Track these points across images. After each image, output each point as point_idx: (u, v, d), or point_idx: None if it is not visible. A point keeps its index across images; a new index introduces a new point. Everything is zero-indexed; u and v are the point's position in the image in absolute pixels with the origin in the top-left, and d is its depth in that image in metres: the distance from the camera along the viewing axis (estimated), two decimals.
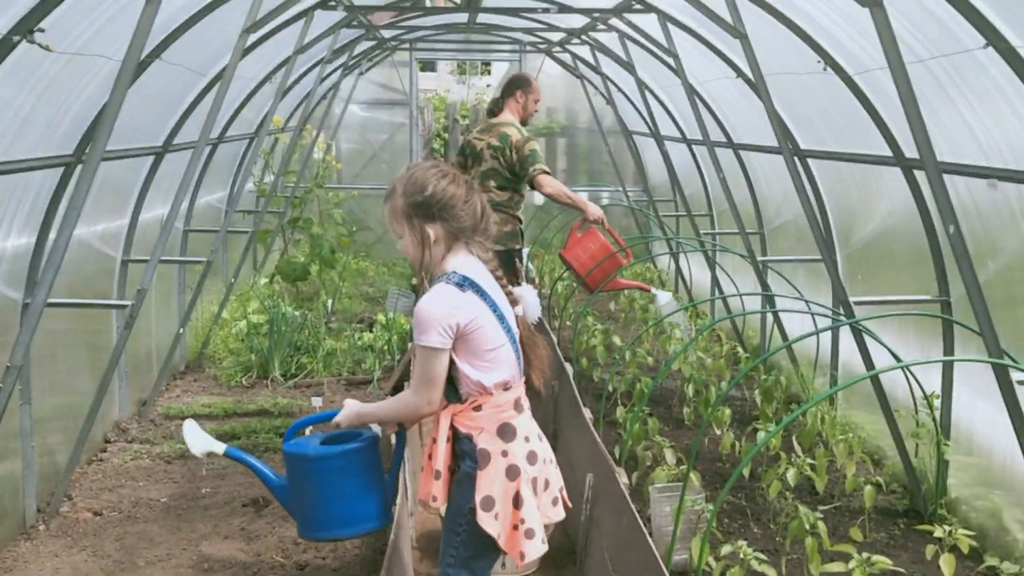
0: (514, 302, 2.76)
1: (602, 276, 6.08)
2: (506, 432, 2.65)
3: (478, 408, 2.65)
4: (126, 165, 5.12)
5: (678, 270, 8.38)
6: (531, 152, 5.71)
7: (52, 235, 3.94)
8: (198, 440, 2.91)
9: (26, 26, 3.02)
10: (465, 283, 2.61)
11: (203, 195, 7.01)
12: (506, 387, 2.67)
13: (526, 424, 2.72)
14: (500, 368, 2.65)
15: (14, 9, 3.03)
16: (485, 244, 2.74)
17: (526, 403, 2.74)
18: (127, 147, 4.92)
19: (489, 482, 2.61)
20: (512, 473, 2.63)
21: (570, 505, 2.87)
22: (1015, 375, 3.03)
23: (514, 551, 2.63)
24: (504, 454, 2.64)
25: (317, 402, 5.51)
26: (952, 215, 3.11)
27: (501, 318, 2.66)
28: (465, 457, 2.68)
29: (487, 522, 2.59)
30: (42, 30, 3.08)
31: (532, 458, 2.68)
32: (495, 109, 6.10)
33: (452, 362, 2.62)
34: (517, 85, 6.03)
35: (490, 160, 5.91)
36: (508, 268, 6.40)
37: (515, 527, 2.62)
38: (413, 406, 2.67)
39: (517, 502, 2.62)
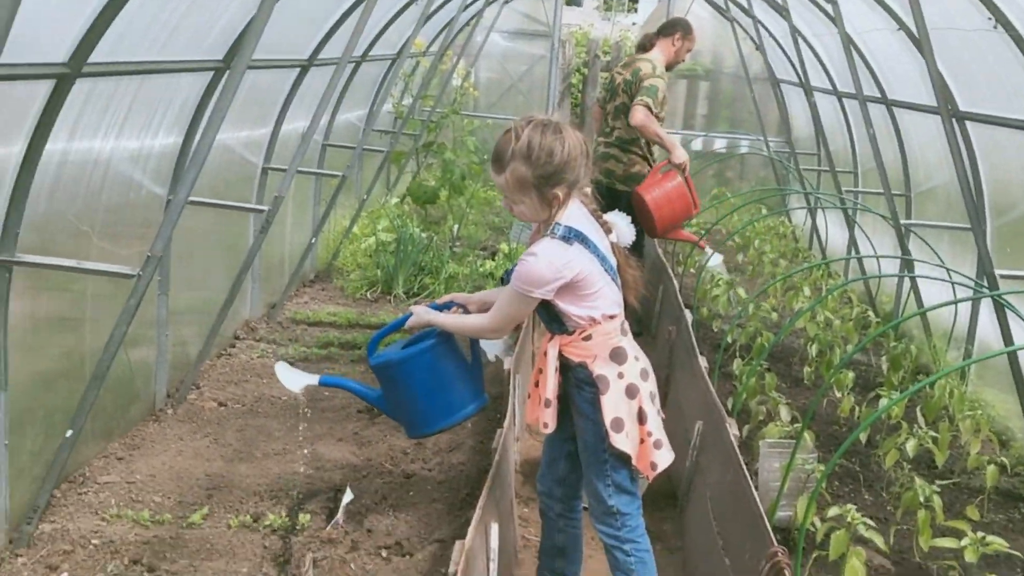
0: (608, 230, 2.81)
1: (671, 221, 5.90)
2: (618, 355, 2.75)
3: (588, 338, 2.74)
4: (272, 76, 5.25)
5: (814, 226, 8.10)
6: (650, 86, 5.63)
7: (197, 137, 4.09)
8: (292, 377, 3.05)
9: None
10: (571, 235, 2.66)
11: (344, 112, 7.14)
12: (612, 317, 2.76)
13: (631, 345, 2.81)
14: (603, 302, 2.74)
15: None
16: (585, 184, 2.77)
17: (627, 325, 2.84)
18: (275, 58, 5.05)
19: (614, 404, 2.71)
20: (631, 392, 2.74)
21: (664, 416, 2.93)
22: None
23: (645, 464, 2.76)
24: (620, 376, 2.73)
25: None
26: None
27: (603, 259, 2.73)
28: (583, 385, 2.76)
29: (621, 442, 2.71)
30: None
31: (644, 375, 2.79)
32: (646, 44, 5.98)
33: (554, 304, 2.71)
34: (678, 27, 5.93)
35: (623, 95, 5.87)
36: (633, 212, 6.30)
37: (642, 441, 2.74)
38: (479, 330, 2.85)
39: (641, 417, 2.74)
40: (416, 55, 8.34)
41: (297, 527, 3.32)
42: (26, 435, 3.23)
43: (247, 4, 4.08)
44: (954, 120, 5.26)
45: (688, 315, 5.40)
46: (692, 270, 7.23)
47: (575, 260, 2.65)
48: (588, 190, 2.83)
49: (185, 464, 3.79)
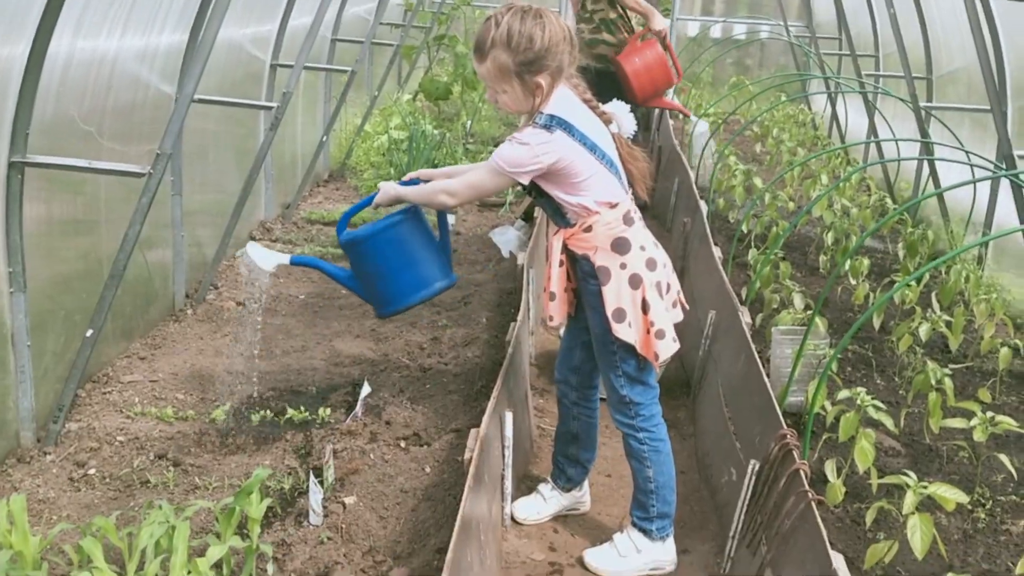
0: (608, 120, 2.78)
1: (651, 89, 5.86)
2: (620, 246, 2.72)
3: (588, 229, 2.73)
4: None
5: (834, 113, 7.96)
6: None
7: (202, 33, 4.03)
8: (264, 257, 3.03)
9: None
10: (552, 122, 2.63)
11: (352, 5, 7.00)
12: (612, 205, 2.72)
13: (640, 234, 2.78)
14: (596, 191, 2.71)
15: None
16: (572, 72, 2.72)
17: (637, 215, 2.79)
18: None
19: (615, 295, 2.71)
20: (635, 282, 2.72)
21: (687, 307, 2.94)
22: None
23: (649, 353, 2.76)
24: (623, 266, 2.72)
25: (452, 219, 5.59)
26: None
27: (592, 147, 2.68)
28: (587, 277, 2.77)
29: (623, 332, 2.71)
30: None
31: (651, 264, 2.76)
32: None
33: (547, 193, 2.71)
34: None
35: None
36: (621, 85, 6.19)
37: (647, 331, 2.74)
38: (441, 192, 2.80)
39: (645, 307, 2.73)
40: None
41: (317, 421, 3.40)
42: (48, 336, 3.29)
43: None
44: None
45: (703, 206, 5.37)
46: (709, 162, 7.16)
47: (555, 147, 2.62)
48: (576, 79, 2.76)
49: (206, 362, 3.86)
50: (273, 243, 5.30)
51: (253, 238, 5.33)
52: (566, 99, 2.71)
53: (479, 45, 2.66)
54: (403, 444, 3.25)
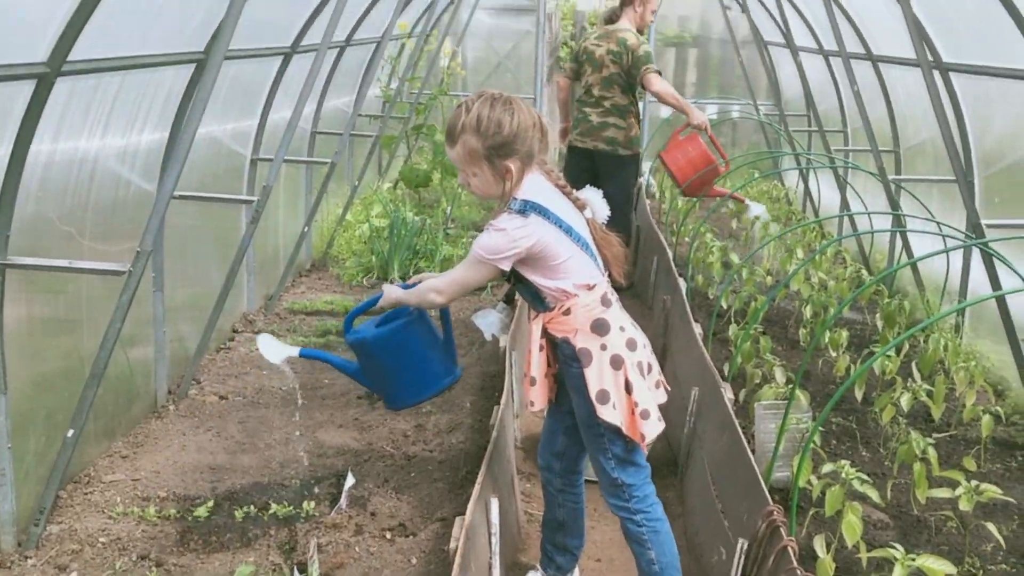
0: (582, 206, 2.83)
1: (698, 182, 6.11)
2: (600, 327, 2.75)
3: (567, 312, 2.75)
4: (255, 65, 5.25)
5: (807, 188, 8.11)
6: (645, 53, 5.96)
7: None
8: (274, 349, 3.08)
9: None
10: (526, 207, 2.68)
11: (331, 98, 7.14)
12: (589, 287, 2.76)
13: (618, 315, 2.81)
14: (574, 274, 2.74)
15: None
16: (544, 158, 2.80)
17: (614, 296, 2.84)
18: (257, 47, 5.04)
19: (598, 377, 2.72)
20: (616, 362, 2.74)
21: (669, 389, 2.95)
22: None
23: (635, 434, 2.76)
24: (603, 347, 2.74)
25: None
26: None
27: (568, 230, 2.72)
28: (569, 361, 2.77)
29: (607, 413, 2.72)
30: None
31: (632, 345, 2.79)
32: (612, 17, 6.26)
33: (526, 278, 2.75)
34: None
35: (611, 66, 6.11)
36: (635, 171, 6.46)
37: (632, 412, 2.75)
38: (431, 292, 2.83)
39: (628, 388, 2.74)
40: (401, 37, 8.32)
41: (302, 515, 3.36)
42: (29, 437, 3.27)
43: None
44: (938, 72, 5.26)
45: (682, 283, 5.43)
46: (686, 239, 7.25)
47: (532, 231, 2.66)
48: (549, 166, 2.84)
49: (189, 459, 3.83)
50: (256, 335, 5.29)
51: (236, 331, 5.34)
52: (539, 184, 2.76)
53: (450, 130, 2.73)
54: (389, 535, 3.22)
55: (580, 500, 3.08)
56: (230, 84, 4.94)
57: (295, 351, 3.08)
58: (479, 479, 3.00)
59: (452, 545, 2.63)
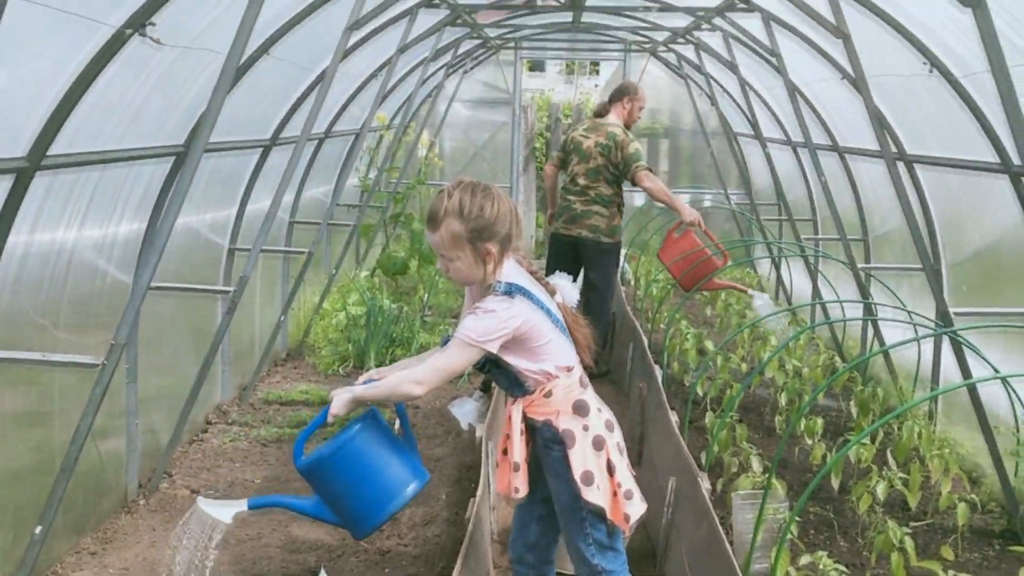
0: (552, 292, 2.88)
1: (694, 276, 6.22)
2: (581, 408, 2.78)
3: (549, 394, 2.77)
4: (235, 157, 5.33)
5: (778, 277, 8.22)
6: (635, 151, 6.13)
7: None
8: (218, 510, 2.80)
9: (139, 20, 3.18)
10: (512, 290, 2.72)
11: (310, 188, 7.22)
12: (568, 369, 2.79)
13: (593, 397, 2.84)
14: (556, 355, 2.77)
15: (128, 4, 3.19)
16: (518, 246, 2.83)
17: (587, 379, 2.87)
18: (237, 139, 5.12)
19: (582, 459, 2.73)
20: (598, 444, 2.76)
21: (634, 472, 2.92)
22: None
23: (619, 517, 2.75)
24: (586, 428, 2.76)
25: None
26: None
27: (548, 312, 2.78)
28: (550, 444, 2.78)
29: (593, 495, 2.71)
30: (153, 24, 3.24)
31: (610, 426, 2.82)
32: (602, 111, 6.47)
33: (506, 363, 2.73)
34: (626, 92, 6.43)
35: (599, 158, 6.29)
36: (616, 260, 6.56)
37: (615, 494, 2.74)
38: (408, 381, 2.67)
39: (611, 469, 2.75)
40: (379, 129, 8.47)
41: None
42: None
43: (208, 86, 4.16)
44: (902, 164, 5.42)
45: (658, 371, 5.45)
46: (661, 326, 7.30)
47: (519, 311, 2.69)
48: (521, 254, 2.88)
49: (159, 555, 3.75)
50: (230, 426, 5.25)
51: (209, 422, 5.28)
52: (517, 269, 2.81)
53: (432, 215, 2.75)
54: None
55: None
56: (210, 175, 5.00)
57: (242, 504, 2.80)
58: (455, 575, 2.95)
59: None
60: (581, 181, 6.34)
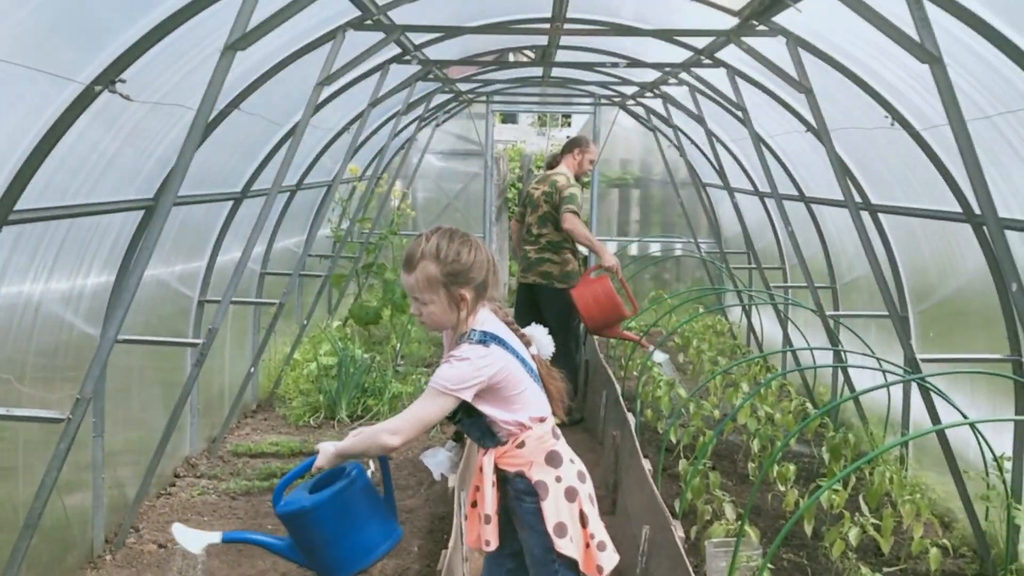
0: (527, 343, 2.89)
1: (601, 321, 6.43)
2: (554, 459, 2.77)
3: (522, 445, 2.77)
4: (206, 209, 5.32)
5: (749, 324, 8.29)
6: (570, 195, 6.45)
7: None
8: (192, 538, 2.82)
9: (108, 76, 3.20)
10: (487, 338, 2.73)
11: (282, 239, 7.22)
12: (542, 420, 2.80)
13: (565, 448, 2.84)
14: (531, 405, 2.78)
15: (100, 59, 3.21)
16: (495, 295, 2.86)
17: (558, 430, 2.87)
18: (207, 192, 5.12)
19: (555, 510, 2.72)
20: (571, 495, 2.75)
21: (605, 523, 2.92)
22: None
23: (592, 568, 2.74)
24: (558, 479, 2.75)
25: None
26: (1015, 273, 3.04)
27: (523, 362, 2.79)
28: (522, 496, 2.77)
29: (566, 547, 2.70)
30: (123, 80, 3.26)
31: (582, 477, 2.81)
32: (553, 163, 6.85)
33: (480, 413, 2.73)
34: (577, 144, 6.80)
35: (544, 205, 6.63)
36: (573, 304, 6.66)
37: (587, 545, 2.74)
38: (385, 432, 2.67)
39: (584, 520, 2.75)
40: (352, 180, 8.51)
41: None
42: None
43: (178, 139, 4.17)
44: (867, 213, 5.51)
45: (631, 419, 5.45)
46: (635, 373, 7.32)
47: (494, 360, 2.69)
48: (498, 303, 2.89)
49: None
50: (198, 479, 5.18)
51: (177, 475, 5.20)
52: (492, 318, 2.82)
53: (409, 258, 2.77)
54: None
55: None
56: (180, 227, 4.99)
57: (216, 536, 2.82)
58: None
59: None
60: (534, 230, 6.66)
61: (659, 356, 6.74)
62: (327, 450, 2.73)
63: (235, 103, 4.74)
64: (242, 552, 4.28)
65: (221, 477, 5.20)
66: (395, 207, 9.71)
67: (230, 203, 5.66)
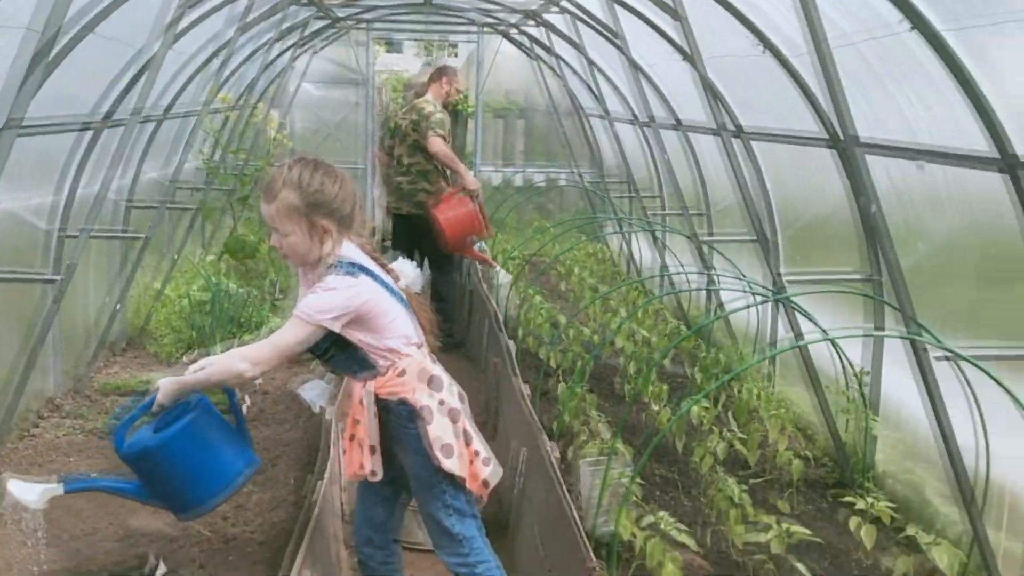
0: (395, 277, 2.87)
1: (461, 239, 6.61)
2: (435, 383, 2.79)
3: (403, 373, 2.76)
4: (64, 139, 5.03)
5: (628, 251, 8.42)
6: (437, 120, 6.50)
7: None
8: (31, 491, 2.68)
9: None
10: (354, 269, 2.70)
11: (149, 171, 6.91)
12: (418, 346, 2.81)
13: (443, 371, 2.86)
14: (403, 331, 2.78)
15: None
16: (360, 230, 2.82)
17: (434, 356, 2.88)
18: (62, 119, 4.83)
19: (440, 431, 2.74)
20: (454, 416, 2.78)
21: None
22: (932, 352, 3.08)
23: (477, 484, 2.79)
24: (441, 403, 2.77)
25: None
26: (873, 195, 3.14)
27: (392, 291, 2.78)
28: (406, 423, 2.77)
29: (452, 465, 2.73)
30: None
31: (462, 397, 2.85)
32: (420, 91, 6.92)
33: (353, 345, 2.71)
34: (443, 73, 6.87)
35: (412, 134, 6.65)
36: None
37: (471, 462, 2.78)
38: (237, 367, 2.60)
39: (467, 439, 2.79)
40: (224, 109, 8.17)
41: None
42: None
43: (22, 62, 3.90)
44: (737, 139, 5.61)
45: (511, 345, 5.49)
46: (516, 302, 7.36)
47: (362, 289, 2.67)
48: (364, 238, 2.84)
49: None
50: (64, 419, 4.98)
51: (41, 416, 4.98)
52: (358, 252, 2.76)
53: (269, 187, 2.70)
54: None
55: (401, 570, 3.04)
56: (36, 157, 4.70)
57: (58, 488, 2.67)
58: (298, 558, 2.89)
59: None
60: (404, 160, 6.66)
61: (503, 278, 6.99)
62: (167, 386, 2.63)
63: (90, 26, 4.45)
64: None
65: (88, 417, 5.02)
66: (271, 137, 9.40)
67: (89, 132, 5.35)
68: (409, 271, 2.96)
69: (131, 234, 6.02)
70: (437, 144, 6.44)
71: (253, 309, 6.44)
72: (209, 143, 8.06)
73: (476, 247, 7.05)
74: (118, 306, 5.58)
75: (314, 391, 5.02)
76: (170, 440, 2.62)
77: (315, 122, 11.06)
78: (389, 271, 2.86)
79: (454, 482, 2.76)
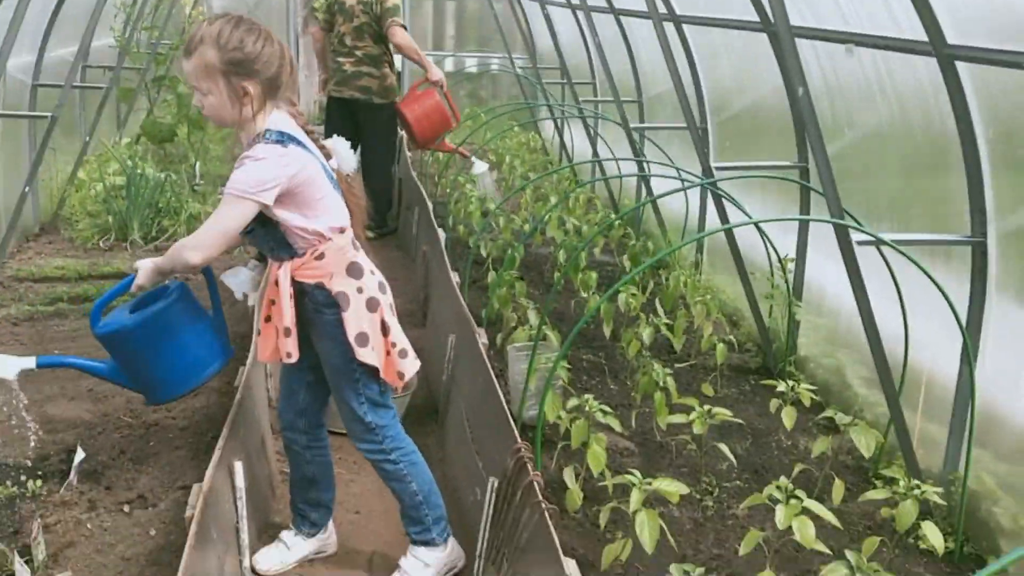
0: (328, 155, 2.75)
1: (431, 134, 6.54)
2: (355, 271, 2.70)
3: (321, 256, 2.67)
4: None
5: (561, 140, 8.32)
6: (394, 5, 6.23)
7: None
8: (3, 363, 2.72)
9: None
10: (284, 138, 2.57)
11: (57, 48, 6.53)
12: (342, 230, 2.70)
13: (366, 260, 2.77)
14: (331, 213, 2.67)
15: None
16: (293, 99, 2.69)
17: (358, 242, 2.78)
18: None
19: (356, 320, 2.67)
20: (372, 305, 2.70)
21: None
22: (854, 236, 3.09)
23: (392, 375, 2.74)
24: (360, 291, 2.69)
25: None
26: (801, 78, 3.08)
27: (324, 168, 2.66)
28: (322, 308, 2.70)
29: (367, 355, 2.67)
30: None
31: (383, 288, 2.77)
32: None
33: (274, 222, 2.60)
34: None
35: (362, 16, 6.34)
36: (393, 120, 6.58)
37: (388, 353, 2.73)
38: (183, 255, 2.54)
39: (385, 329, 2.72)
40: None
41: (27, 495, 3.07)
42: None
43: None
44: (672, 25, 5.50)
45: (442, 234, 5.42)
46: (447, 190, 7.25)
47: (294, 159, 2.54)
48: (298, 108, 2.71)
49: None
50: None
51: None
52: (288, 122, 2.63)
53: (188, 43, 2.56)
54: (127, 508, 3.00)
55: (328, 453, 3.02)
56: None
57: (30, 362, 2.73)
58: (220, 443, 2.84)
59: (188, 513, 2.47)
60: (348, 41, 6.37)
61: (480, 167, 6.79)
62: (146, 267, 2.65)
63: None
64: (27, 377, 4.02)
65: (2, 303, 4.84)
66: (188, 15, 8.93)
67: None
68: (343, 150, 2.82)
69: (37, 114, 5.71)
70: (400, 35, 6.21)
71: (172, 194, 6.22)
72: (120, 19, 7.63)
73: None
74: (27, 188, 5.32)
75: (237, 278, 4.89)
76: (143, 322, 2.63)
77: (235, 0, 10.56)
78: (322, 147, 2.73)
79: (368, 372, 2.72)
